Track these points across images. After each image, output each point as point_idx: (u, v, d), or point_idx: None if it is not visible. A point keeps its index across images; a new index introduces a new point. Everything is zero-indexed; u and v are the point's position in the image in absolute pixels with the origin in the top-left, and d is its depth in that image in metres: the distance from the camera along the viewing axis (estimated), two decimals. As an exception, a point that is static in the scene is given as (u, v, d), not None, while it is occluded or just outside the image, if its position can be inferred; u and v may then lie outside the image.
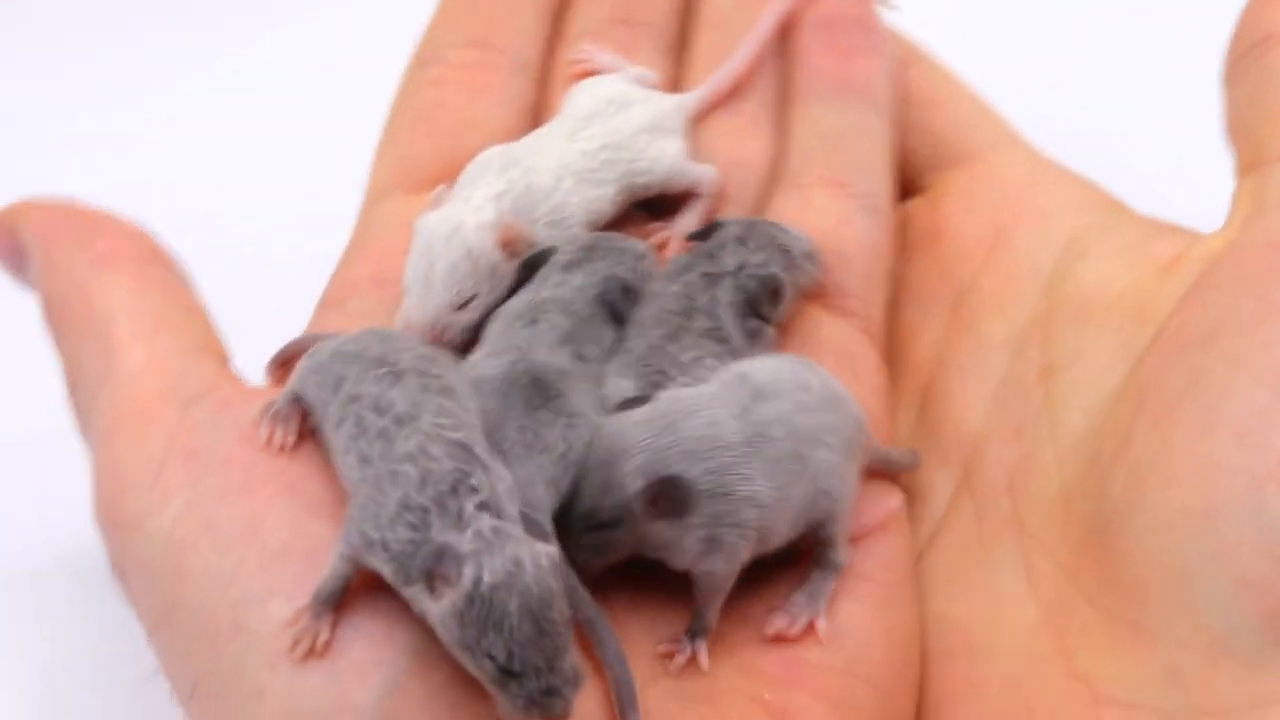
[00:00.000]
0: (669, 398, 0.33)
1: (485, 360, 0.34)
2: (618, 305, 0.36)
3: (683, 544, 0.31)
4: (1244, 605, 0.30)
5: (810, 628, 0.33)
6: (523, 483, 0.31)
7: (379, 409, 0.30)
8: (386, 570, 0.28)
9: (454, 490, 0.28)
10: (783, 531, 0.33)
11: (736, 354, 0.35)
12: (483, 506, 0.28)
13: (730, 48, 0.44)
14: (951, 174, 0.44)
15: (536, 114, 0.44)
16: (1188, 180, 0.50)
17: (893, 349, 0.42)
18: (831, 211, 0.41)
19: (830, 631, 0.33)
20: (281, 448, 0.32)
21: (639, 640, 0.32)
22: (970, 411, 0.39)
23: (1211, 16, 0.41)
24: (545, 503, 0.31)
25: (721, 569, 0.32)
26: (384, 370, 0.31)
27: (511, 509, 0.29)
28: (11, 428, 0.49)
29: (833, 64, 0.43)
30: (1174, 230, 0.39)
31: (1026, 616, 0.34)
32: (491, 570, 0.27)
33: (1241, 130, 0.37)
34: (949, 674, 0.35)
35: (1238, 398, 0.31)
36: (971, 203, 0.43)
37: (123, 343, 0.34)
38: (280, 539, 0.30)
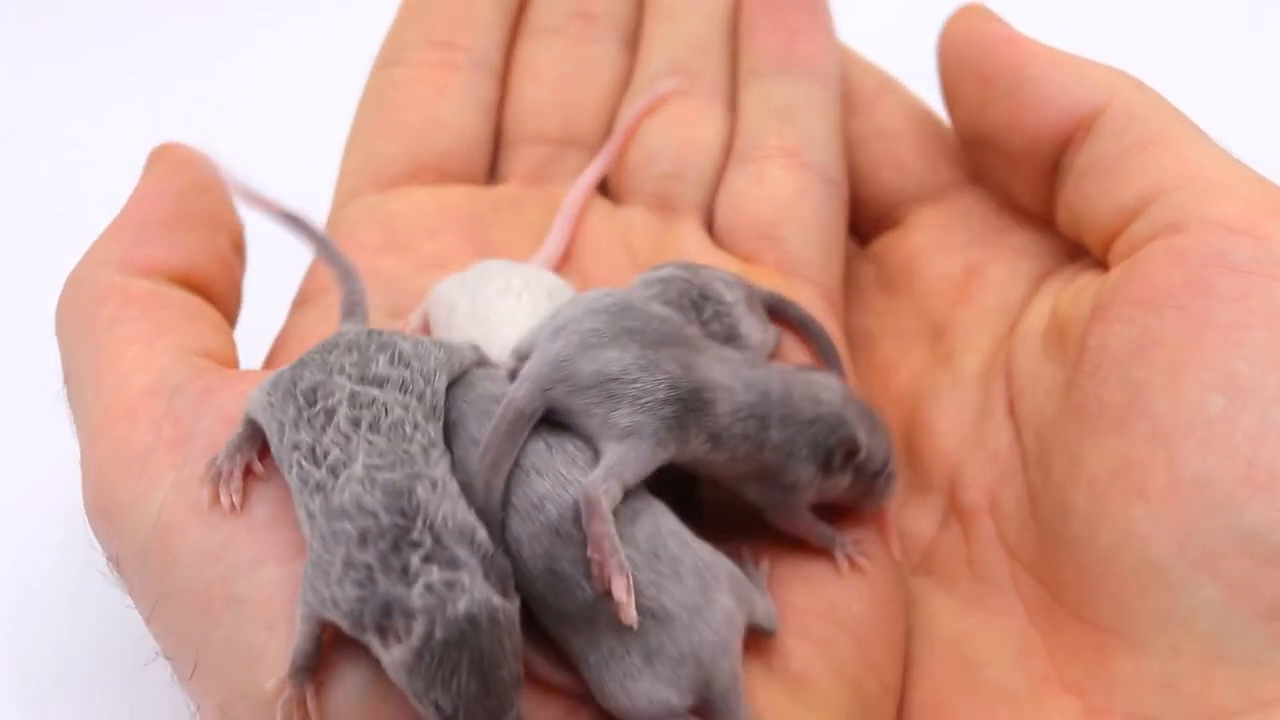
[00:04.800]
0: None
1: None
2: None
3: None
4: (1239, 609, 0.30)
5: None
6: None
7: (314, 458, 0.29)
8: (343, 624, 0.28)
9: (395, 547, 0.28)
10: None
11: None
12: (428, 559, 0.28)
13: (684, 38, 0.45)
14: (923, 209, 0.45)
15: (498, 109, 0.45)
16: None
17: (874, 381, 0.43)
18: (787, 182, 0.42)
19: (812, 577, 0.34)
20: (232, 508, 0.31)
21: None
22: (949, 440, 0.40)
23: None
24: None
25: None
26: (316, 409, 0.30)
27: (461, 551, 0.28)
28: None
29: (780, 41, 0.44)
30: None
31: (1019, 632, 0.35)
32: (445, 626, 0.27)
33: None
34: (939, 684, 0.35)
35: (1191, 406, 0.32)
36: (945, 239, 0.43)
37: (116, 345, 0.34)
38: (269, 510, 0.31)
